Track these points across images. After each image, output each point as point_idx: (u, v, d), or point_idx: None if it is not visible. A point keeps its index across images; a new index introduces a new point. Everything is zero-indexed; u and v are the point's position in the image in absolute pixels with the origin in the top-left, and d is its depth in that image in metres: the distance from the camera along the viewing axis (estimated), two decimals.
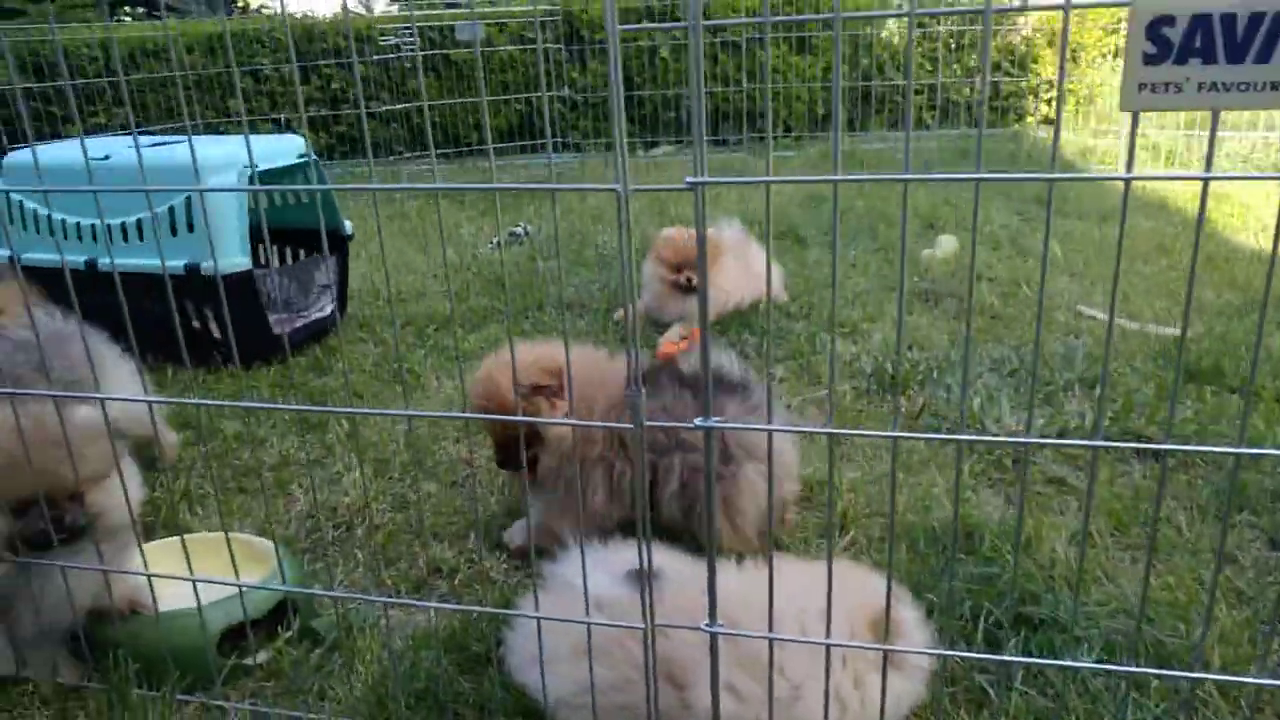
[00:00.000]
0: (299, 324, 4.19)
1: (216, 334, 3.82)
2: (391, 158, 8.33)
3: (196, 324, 3.83)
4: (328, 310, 4.31)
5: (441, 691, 1.93)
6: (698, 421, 1.44)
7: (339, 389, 3.59)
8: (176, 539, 1.96)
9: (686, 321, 4.05)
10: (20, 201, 4.02)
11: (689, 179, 1.30)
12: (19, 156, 4.14)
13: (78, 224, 3.89)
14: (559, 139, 8.54)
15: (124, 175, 3.60)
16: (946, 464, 2.80)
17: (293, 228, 4.40)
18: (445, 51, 8.81)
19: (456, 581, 2.37)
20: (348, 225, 4.30)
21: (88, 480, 1.91)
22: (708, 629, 1.56)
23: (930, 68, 8.92)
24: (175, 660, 1.94)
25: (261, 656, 2.06)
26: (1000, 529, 2.36)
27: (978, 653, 1.92)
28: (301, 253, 4.51)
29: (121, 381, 2.69)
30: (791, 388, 3.42)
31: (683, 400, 2.36)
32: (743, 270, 4.14)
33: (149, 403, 2.00)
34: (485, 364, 2.39)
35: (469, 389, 2.41)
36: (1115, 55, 8.52)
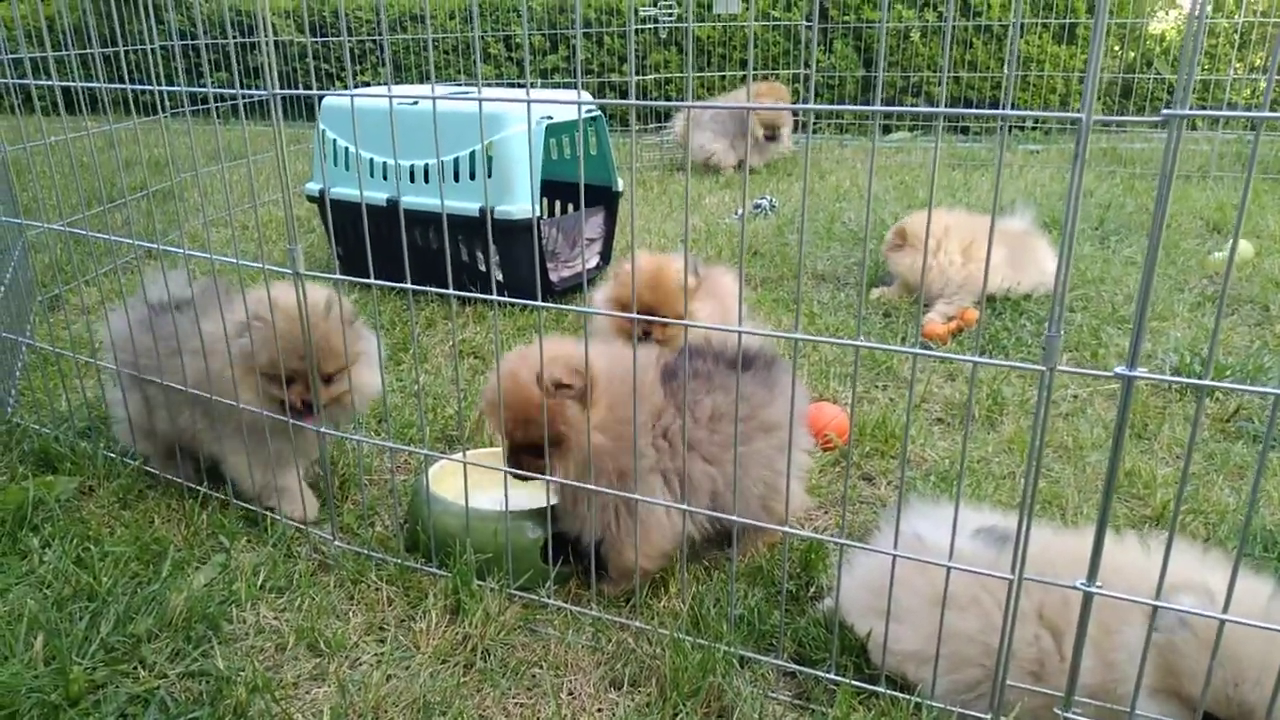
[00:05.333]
0: (566, 273, 4.38)
1: (499, 277, 4.06)
2: (640, 127, 8.52)
3: (483, 267, 4.08)
4: (593, 262, 4.48)
5: (758, 621, 1.98)
6: (1118, 370, 1.40)
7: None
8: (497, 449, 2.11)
9: (950, 299, 3.93)
10: (334, 140, 4.40)
11: (1164, 110, 1.25)
12: (336, 101, 4.53)
13: (384, 164, 4.22)
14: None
15: (429, 120, 3.87)
16: (1272, 469, 2.59)
17: (566, 181, 4.60)
18: (693, 24, 8.92)
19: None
20: (620, 182, 4.45)
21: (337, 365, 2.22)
22: (1084, 588, 1.52)
23: (1208, 64, 8.21)
24: (512, 558, 2.09)
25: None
26: None
27: None
28: (570, 206, 4.70)
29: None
30: (1080, 380, 3.25)
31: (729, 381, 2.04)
32: (1022, 257, 4.00)
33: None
34: (508, 359, 2.04)
35: (485, 391, 2.10)
36: None
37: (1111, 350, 3.43)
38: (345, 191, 4.27)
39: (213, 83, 8.96)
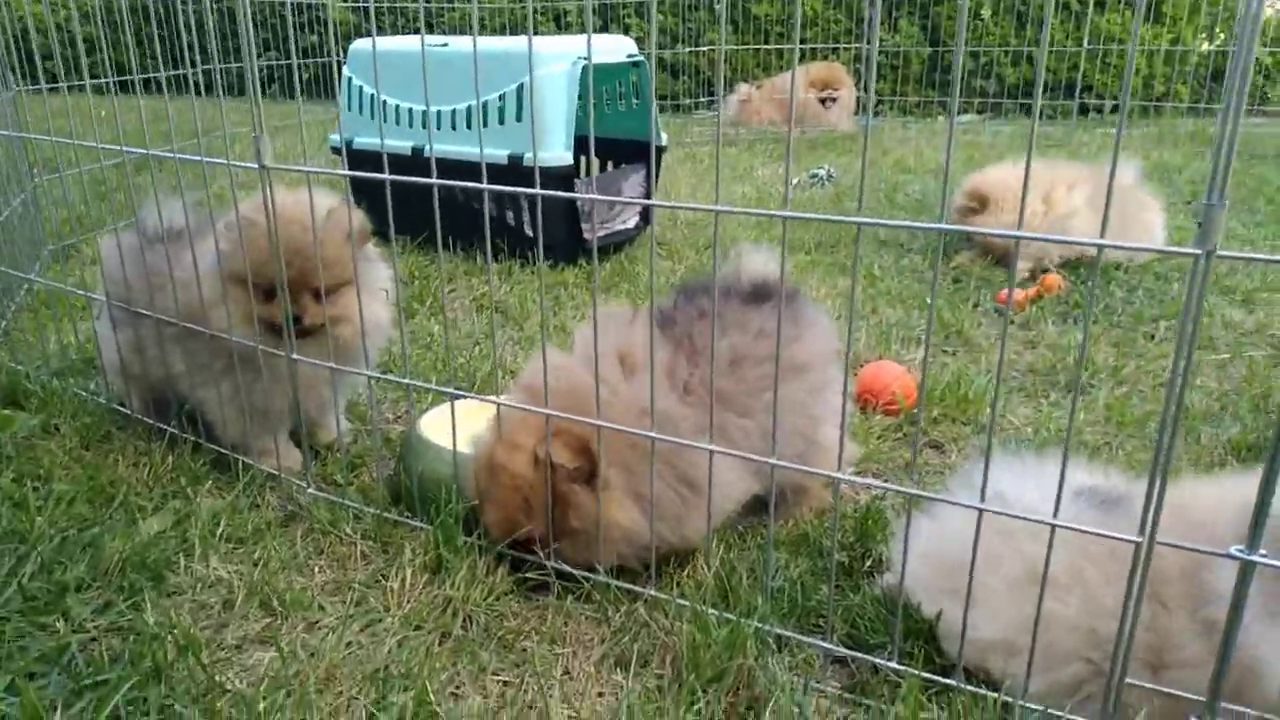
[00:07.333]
0: (602, 232, 4.05)
1: (530, 232, 3.74)
2: (690, 102, 8.16)
3: (512, 220, 3.77)
4: (631, 223, 4.15)
5: (801, 595, 1.62)
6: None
7: (643, 294, 3.39)
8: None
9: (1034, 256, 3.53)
10: (360, 87, 4.13)
11: None
12: (363, 45, 4.26)
13: (409, 110, 3.92)
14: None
15: (460, 62, 3.55)
16: None
17: (603, 137, 4.25)
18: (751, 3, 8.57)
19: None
20: (663, 136, 4.10)
21: (330, 280, 1.89)
22: (1243, 555, 1.13)
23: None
24: None
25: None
26: None
27: None
28: (609, 164, 4.36)
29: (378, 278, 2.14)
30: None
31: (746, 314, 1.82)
32: (1116, 216, 3.56)
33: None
34: (483, 447, 1.70)
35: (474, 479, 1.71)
36: None
37: (1219, 319, 2.99)
38: (369, 141, 4.01)
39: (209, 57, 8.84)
